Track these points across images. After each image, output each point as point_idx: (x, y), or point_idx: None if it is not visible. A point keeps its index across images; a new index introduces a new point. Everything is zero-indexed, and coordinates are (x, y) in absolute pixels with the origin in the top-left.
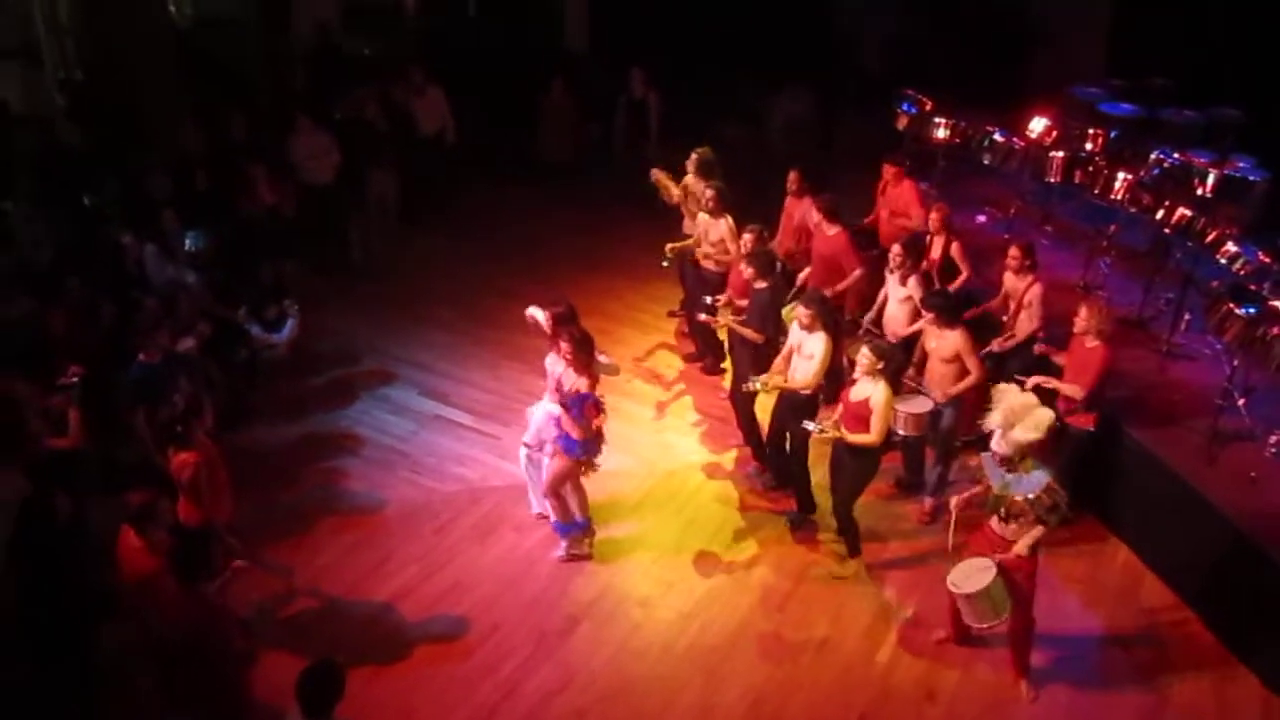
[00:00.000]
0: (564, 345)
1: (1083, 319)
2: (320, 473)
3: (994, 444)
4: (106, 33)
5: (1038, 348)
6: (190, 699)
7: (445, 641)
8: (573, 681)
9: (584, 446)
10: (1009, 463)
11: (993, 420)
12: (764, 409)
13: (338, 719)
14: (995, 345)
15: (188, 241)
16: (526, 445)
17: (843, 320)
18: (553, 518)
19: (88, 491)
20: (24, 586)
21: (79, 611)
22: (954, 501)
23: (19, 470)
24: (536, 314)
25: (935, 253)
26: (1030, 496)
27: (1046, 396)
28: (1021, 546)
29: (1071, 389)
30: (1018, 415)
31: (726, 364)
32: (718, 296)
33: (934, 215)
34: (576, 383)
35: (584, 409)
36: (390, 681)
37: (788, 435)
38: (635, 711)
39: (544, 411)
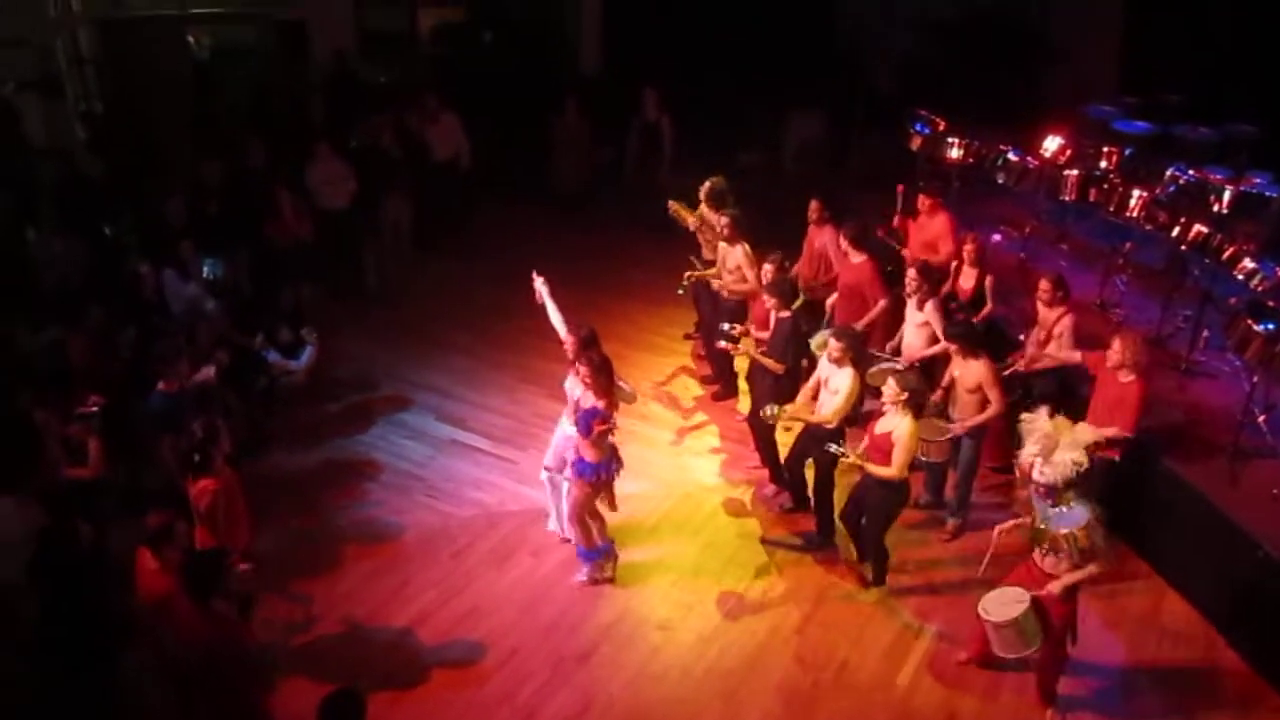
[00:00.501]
0: (583, 369)
1: (1116, 352)
2: (339, 499)
3: (1035, 475)
4: (127, 65)
5: (1016, 365)
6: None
7: (463, 666)
8: (591, 706)
9: (597, 470)
10: (1053, 493)
11: (1029, 453)
12: (783, 431)
13: None
14: (1020, 365)
15: (205, 269)
16: (547, 469)
17: (868, 355)
18: (576, 544)
19: (108, 519)
20: (44, 610)
21: (99, 636)
22: (995, 531)
23: (36, 500)
24: (542, 289)
25: (968, 283)
26: (1064, 532)
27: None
28: (1056, 586)
29: (1112, 431)
30: (1054, 439)
31: (743, 386)
32: (735, 325)
33: (968, 247)
34: (594, 404)
35: (590, 423)
36: (409, 707)
37: (811, 462)
38: None
39: (563, 434)
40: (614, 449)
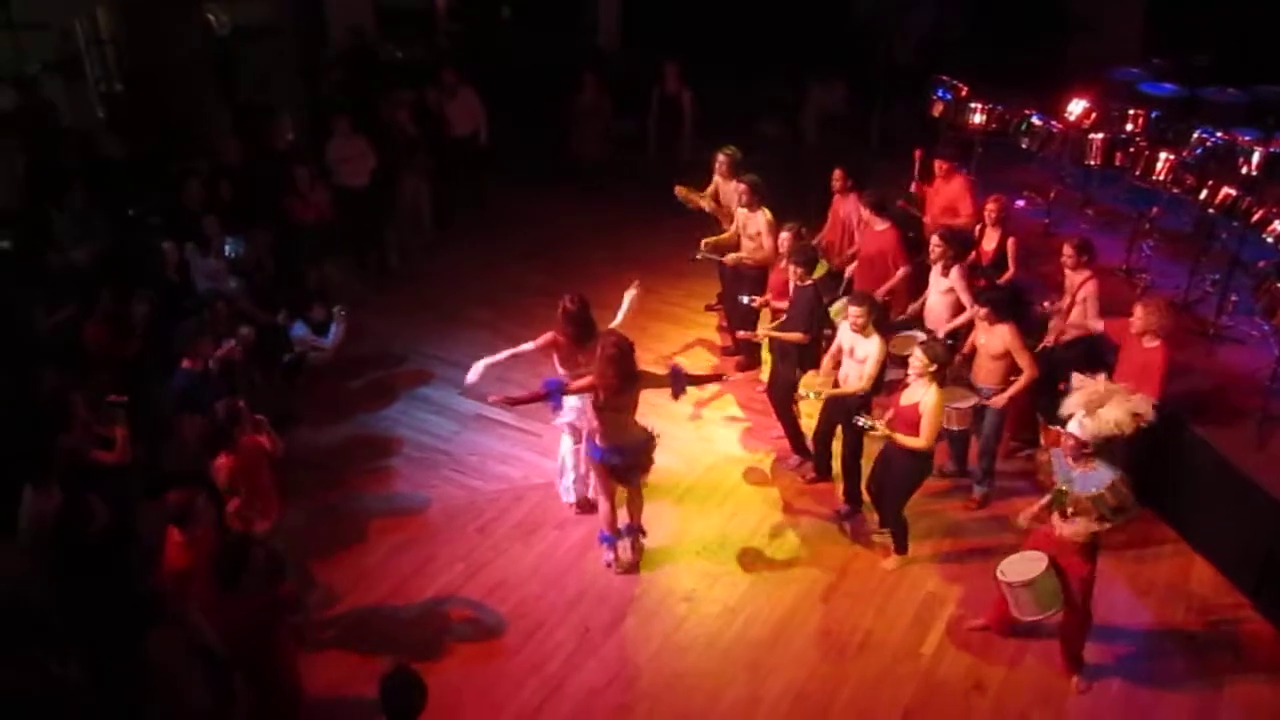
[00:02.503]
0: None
1: (1139, 319)
2: (364, 474)
3: (1072, 427)
4: (147, 45)
5: (1040, 306)
6: (239, 693)
7: (491, 639)
8: (617, 678)
9: (605, 455)
10: (1081, 451)
11: (1072, 404)
12: (806, 402)
13: None
14: (1047, 342)
15: (227, 247)
16: (573, 426)
17: (890, 321)
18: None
19: (134, 501)
20: (62, 592)
21: (122, 617)
22: (1023, 517)
23: (56, 486)
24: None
25: (990, 245)
26: (1093, 493)
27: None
28: (1069, 530)
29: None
30: (1102, 397)
31: (765, 356)
32: (754, 296)
33: (990, 206)
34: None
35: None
36: (438, 679)
37: (840, 432)
38: (680, 707)
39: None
40: (630, 435)
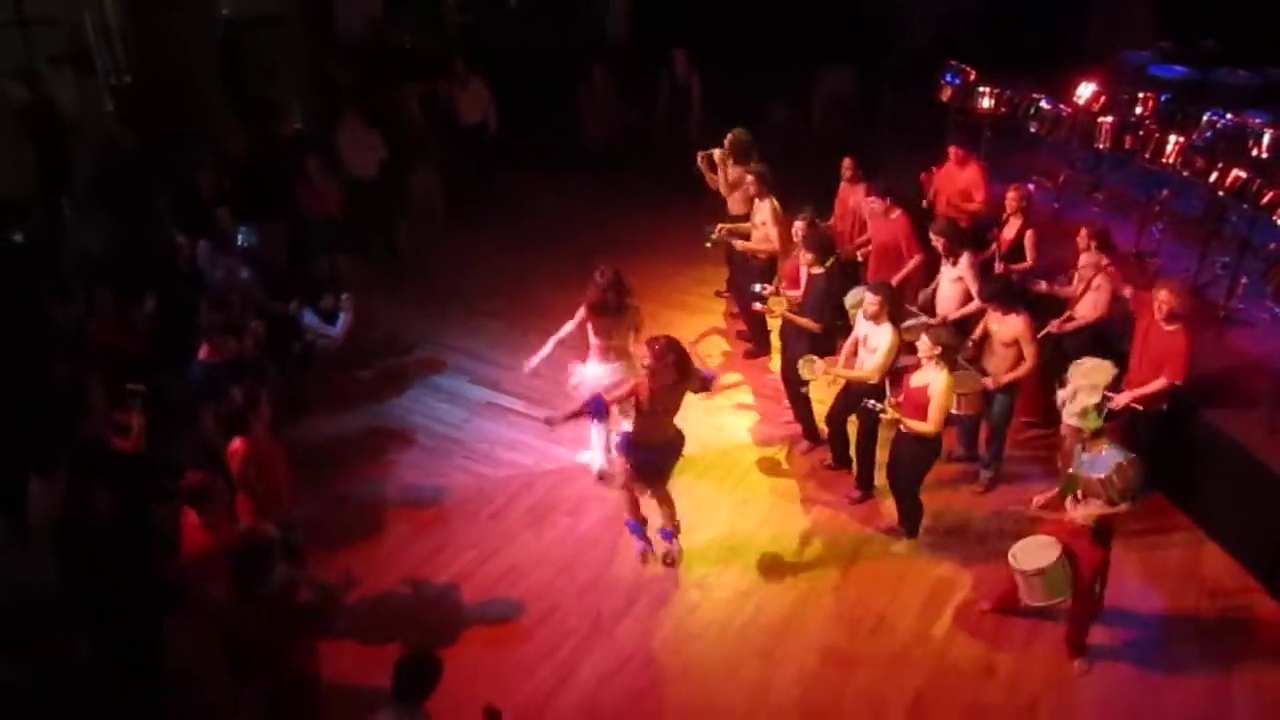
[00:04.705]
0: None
1: (1164, 303)
2: (376, 462)
3: (1066, 418)
4: (156, 36)
5: (1039, 285)
6: (257, 675)
7: (503, 624)
8: (629, 663)
9: (639, 452)
10: (1088, 444)
11: (1063, 394)
12: (816, 388)
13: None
14: (1054, 326)
15: (240, 237)
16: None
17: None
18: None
19: (145, 492)
20: (72, 581)
21: (135, 605)
22: (1035, 504)
23: (61, 471)
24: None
25: (1009, 234)
26: (1102, 477)
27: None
28: (1081, 513)
29: (1158, 384)
30: (1077, 379)
31: (775, 343)
32: (765, 285)
33: (1011, 195)
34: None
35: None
36: (451, 664)
37: (855, 418)
38: (692, 692)
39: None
40: (664, 435)
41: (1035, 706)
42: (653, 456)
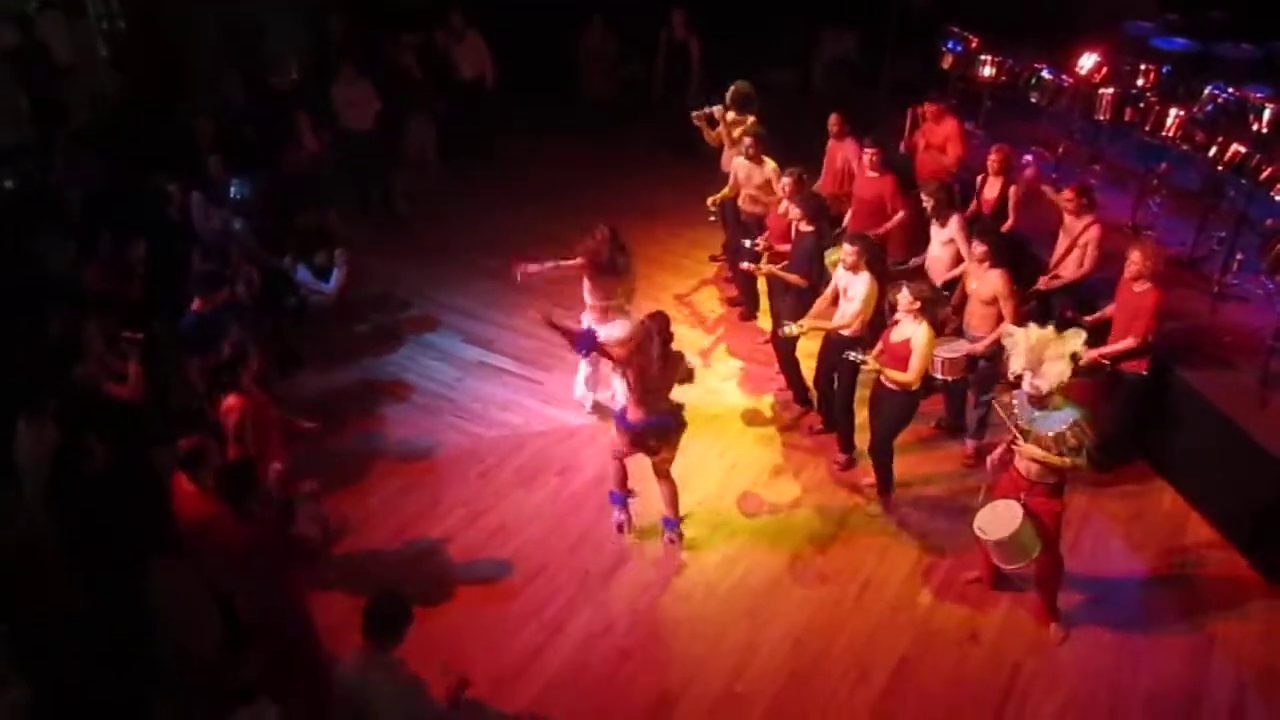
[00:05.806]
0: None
1: (1135, 262)
2: (368, 418)
3: (1026, 386)
4: None
5: (1044, 280)
6: (258, 630)
7: (491, 582)
8: (617, 623)
9: (636, 425)
10: (1043, 401)
11: (1016, 365)
12: (808, 353)
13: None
14: (1041, 283)
15: (233, 189)
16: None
17: (887, 264)
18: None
19: (146, 438)
20: (61, 526)
21: (119, 550)
22: (988, 462)
23: (51, 421)
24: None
25: (992, 194)
26: (1054, 433)
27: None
28: (1027, 451)
29: (1125, 343)
30: (1039, 350)
31: (764, 308)
32: (757, 241)
33: (994, 156)
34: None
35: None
36: (439, 621)
37: (835, 377)
38: (679, 652)
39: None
40: (661, 408)
41: (1017, 671)
42: (651, 425)
